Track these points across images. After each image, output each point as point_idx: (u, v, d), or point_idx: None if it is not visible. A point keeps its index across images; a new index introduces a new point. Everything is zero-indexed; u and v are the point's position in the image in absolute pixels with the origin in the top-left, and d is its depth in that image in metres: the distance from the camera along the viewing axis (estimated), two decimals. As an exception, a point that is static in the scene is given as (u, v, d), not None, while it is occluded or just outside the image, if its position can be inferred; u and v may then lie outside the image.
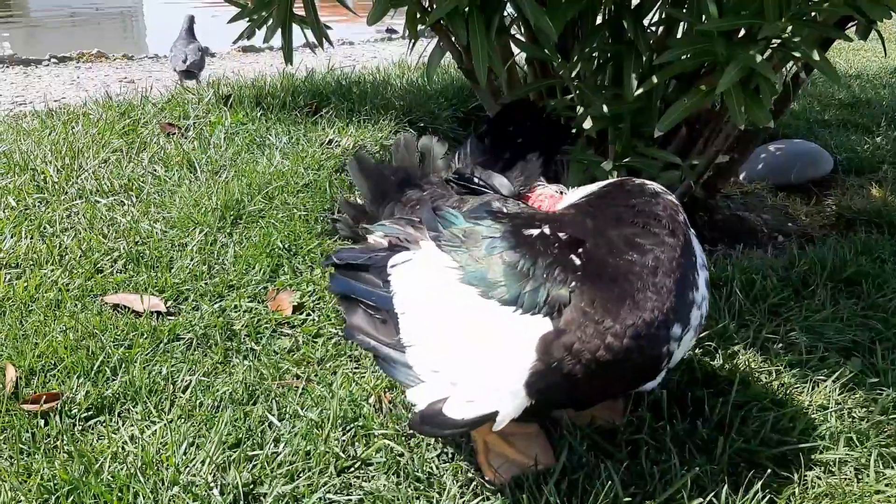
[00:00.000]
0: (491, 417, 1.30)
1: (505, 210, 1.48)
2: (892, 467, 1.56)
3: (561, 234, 1.37)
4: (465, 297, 1.35)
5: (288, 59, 2.85)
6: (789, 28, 1.84)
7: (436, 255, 1.42)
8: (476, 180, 1.61)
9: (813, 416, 1.68)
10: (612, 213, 1.41)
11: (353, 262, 1.56)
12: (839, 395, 1.75)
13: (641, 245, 1.35)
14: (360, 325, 1.50)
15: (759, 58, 1.84)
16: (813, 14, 1.91)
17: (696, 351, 1.87)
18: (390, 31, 7.53)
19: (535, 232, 1.38)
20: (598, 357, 1.27)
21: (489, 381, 1.30)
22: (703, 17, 1.91)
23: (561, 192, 1.59)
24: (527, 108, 1.93)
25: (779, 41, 1.90)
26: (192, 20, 4.98)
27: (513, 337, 1.30)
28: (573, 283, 1.30)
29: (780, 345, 1.91)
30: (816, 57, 1.86)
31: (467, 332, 1.34)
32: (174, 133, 3.31)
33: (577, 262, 1.33)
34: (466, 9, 1.99)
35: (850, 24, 2.25)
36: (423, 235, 1.48)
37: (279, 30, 2.75)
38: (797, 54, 1.90)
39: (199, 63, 4.82)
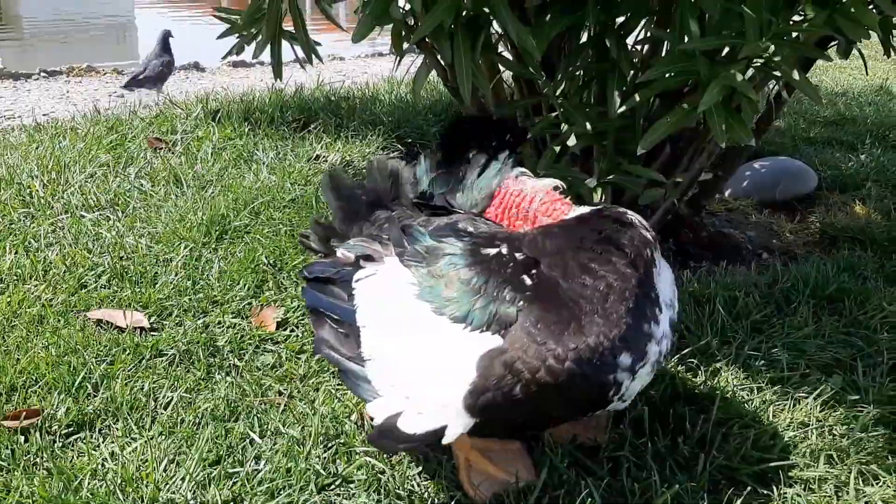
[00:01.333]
0: (441, 433, 1.32)
1: (469, 229, 1.49)
2: (872, 485, 1.57)
3: (517, 255, 1.39)
4: (419, 313, 1.37)
5: (277, 74, 2.86)
6: (770, 48, 1.86)
7: (397, 271, 1.44)
8: (438, 202, 1.64)
9: (794, 433, 1.68)
10: (575, 237, 1.41)
11: (320, 276, 1.58)
12: (820, 412, 1.76)
13: (595, 271, 1.34)
14: (327, 338, 1.53)
15: (740, 77, 1.86)
16: (794, 34, 1.94)
17: (679, 367, 1.87)
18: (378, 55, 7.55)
19: (493, 251, 1.40)
20: (538, 378, 1.28)
21: (438, 397, 1.32)
22: (686, 36, 1.93)
23: (556, 188, 1.56)
24: (476, 120, 1.94)
25: (760, 61, 1.92)
26: (166, 35, 4.96)
27: (459, 353, 1.32)
28: (521, 303, 1.32)
29: (762, 362, 1.92)
30: (797, 76, 1.88)
31: (420, 348, 1.36)
32: (161, 148, 3.32)
33: (528, 282, 1.34)
34: (451, 27, 2.00)
35: (831, 44, 2.28)
36: (389, 251, 1.49)
37: (269, 45, 2.76)
38: (778, 74, 1.92)
39: (151, 77, 4.78)
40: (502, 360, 1.29)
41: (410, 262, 1.43)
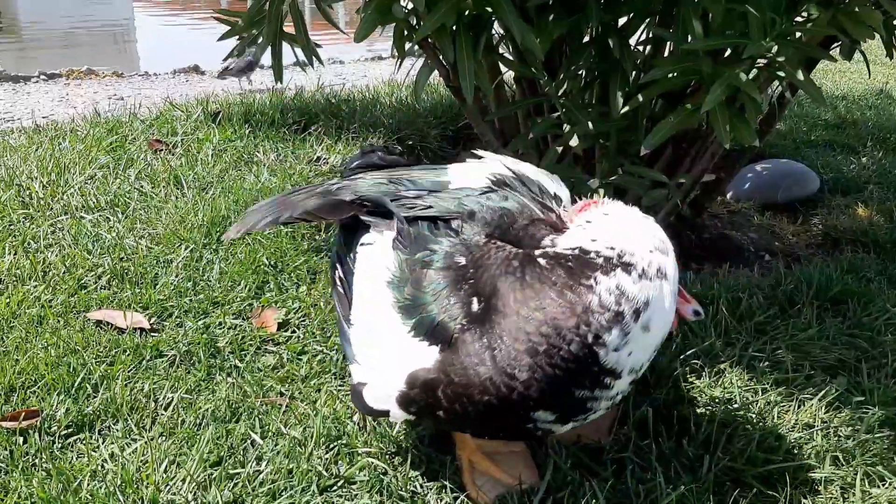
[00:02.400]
0: (387, 414, 1.41)
1: (470, 220, 1.45)
2: (878, 486, 1.55)
3: (478, 275, 1.34)
4: (384, 302, 1.41)
5: (278, 77, 2.86)
6: (774, 48, 1.85)
7: (385, 251, 1.46)
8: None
9: (799, 434, 1.67)
10: (533, 278, 1.30)
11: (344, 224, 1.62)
12: (825, 413, 1.74)
13: (533, 325, 1.25)
14: (338, 287, 1.61)
15: (744, 77, 1.85)
16: (797, 34, 1.93)
17: (683, 369, 1.86)
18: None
19: (463, 261, 1.38)
20: (454, 408, 1.31)
21: (382, 387, 1.40)
22: (689, 36, 1.93)
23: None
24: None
25: (764, 61, 1.91)
26: None
27: (398, 356, 1.37)
28: (460, 326, 1.31)
29: (767, 363, 1.91)
30: (801, 77, 1.87)
31: (378, 336, 1.42)
32: (162, 149, 3.31)
33: (475, 307, 1.32)
34: (454, 27, 2.00)
35: (834, 45, 2.27)
36: (390, 224, 1.49)
37: (269, 48, 2.75)
38: (782, 74, 1.91)
39: (242, 66, 5.06)
40: (425, 382, 1.32)
41: (398, 244, 1.44)
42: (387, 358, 1.40)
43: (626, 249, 1.27)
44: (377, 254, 1.47)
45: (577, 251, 1.29)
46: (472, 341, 1.29)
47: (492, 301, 1.30)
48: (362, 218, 1.54)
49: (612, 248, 1.27)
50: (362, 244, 1.53)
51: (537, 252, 1.35)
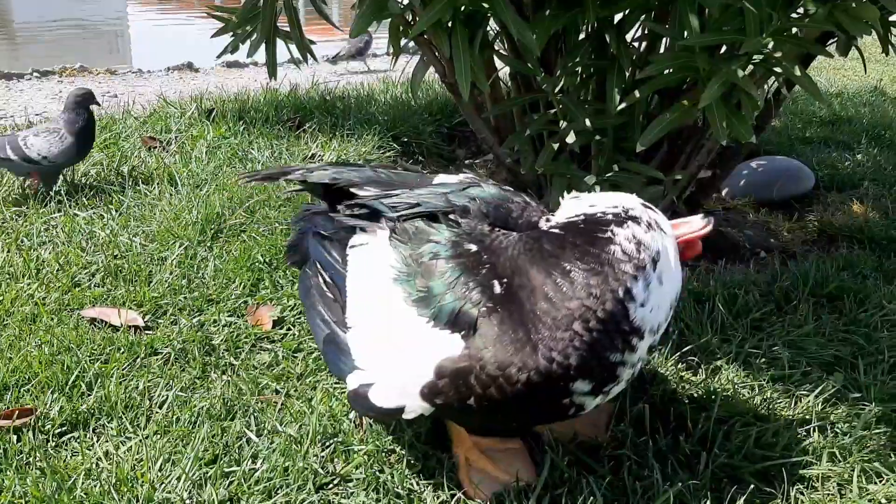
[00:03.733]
0: (402, 411, 1.37)
1: (466, 214, 1.45)
2: (875, 483, 1.55)
3: (494, 258, 1.35)
4: (393, 298, 1.39)
5: (272, 73, 2.85)
6: (770, 44, 1.85)
7: (383, 248, 1.45)
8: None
9: (796, 431, 1.67)
10: (555, 247, 1.33)
11: (322, 233, 1.62)
12: (822, 409, 1.74)
13: (562, 293, 1.28)
14: (317, 297, 1.58)
15: (740, 73, 1.85)
16: (794, 30, 1.93)
17: (679, 366, 1.86)
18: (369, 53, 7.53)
19: (473, 248, 1.37)
20: (488, 394, 1.29)
21: (401, 383, 1.36)
22: (686, 32, 1.92)
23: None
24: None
25: (760, 57, 1.91)
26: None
27: (420, 348, 1.34)
28: (484, 309, 1.30)
29: (763, 360, 1.91)
30: (797, 72, 1.87)
31: (391, 333, 1.39)
32: (156, 147, 3.29)
33: (497, 290, 1.32)
34: (450, 22, 1.99)
35: (830, 41, 2.27)
36: (382, 223, 1.48)
37: (263, 44, 2.75)
38: (778, 70, 1.91)
39: (353, 52, 6.01)
40: (456, 370, 1.30)
41: (396, 241, 1.43)
42: (405, 353, 1.37)
43: (626, 206, 1.34)
44: (374, 253, 1.46)
45: (582, 216, 1.34)
46: (501, 321, 1.29)
47: (515, 280, 1.31)
48: (349, 222, 1.54)
49: (614, 207, 1.34)
50: (353, 246, 1.51)
51: (544, 227, 1.38)
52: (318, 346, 1.58)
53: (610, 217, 1.32)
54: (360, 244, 1.50)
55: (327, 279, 1.57)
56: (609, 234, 1.29)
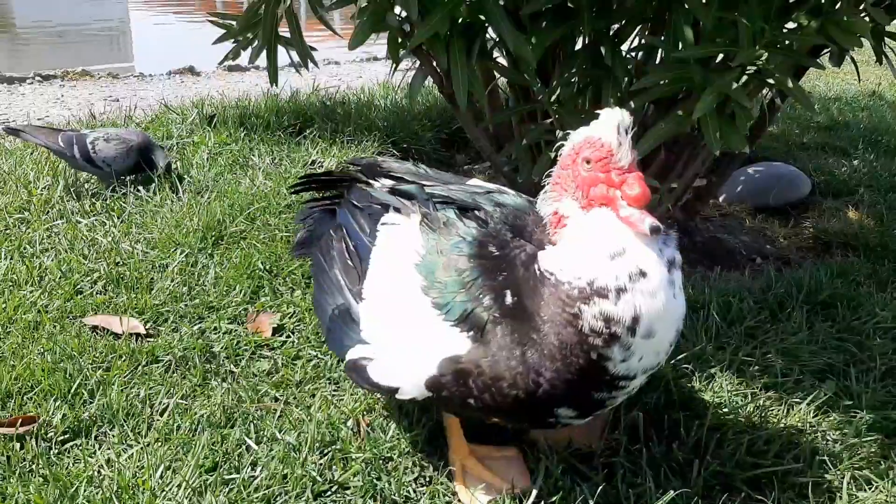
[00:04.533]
0: (396, 391, 1.43)
1: (491, 218, 1.48)
2: (865, 490, 1.58)
3: (513, 269, 1.36)
4: (411, 284, 1.43)
5: (273, 80, 2.87)
6: (764, 55, 1.87)
7: (412, 233, 1.48)
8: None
9: (788, 438, 1.69)
10: (542, 284, 1.32)
11: (355, 203, 1.68)
12: (814, 417, 1.77)
13: (555, 332, 1.28)
14: (336, 259, 1.64)
15: (734, 85, 1.87)
16: (787, 42, 1.95)
17: (673, 373, 1.88)
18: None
19: (496, 252, 1.40)
20: (483, 398, 1.35)
21: (404, 367, 1.42)
22: (680, 44, 1.95)
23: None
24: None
25: (754, 68, 1.93)
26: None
27: (427, 339, 1.38)
28: (494, 317, 1.33)
29: (756, 367, 1.93)
30: (790, 84, 1.90)
31: (401, 314, 1.44)
32: (157, 153, 3.31)
33: (508, 301, 1.34)
34: (447, 34, 2.01)
35: (823, 51, 2.30)
36: (416, 208, 1.53)
37: (264, 51, 2.77)
38: (771, 81, 1.93)
39: None
40: (457, 370, 1.35)
41: (427, 227, 1.47)
42: (412, 339, 1.41)
43: (593, 276, 1.25)
44: (403, 235, 1.50)
45: (554, 279, 1.29)
46: (503, 335, 1.32)
47: (524, 298, 1.33)
48: (386, 199, 1.59)
49: (579, 278, 1.25)
50: (385, 223, 1.56)
51: (539, 263, 1.35)
52: (320, 315, 1.63)
53: (576, 294, 1.25)
54: (392, 223, 1.55)
55: (351, 247, 1.62)
56: (577, 310, 1.25)
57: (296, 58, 2.88)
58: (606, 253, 1.25)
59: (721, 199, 3.18)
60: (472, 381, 1.34)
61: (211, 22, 3.00)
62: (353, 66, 6.94)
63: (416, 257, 1.44)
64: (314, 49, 2.93)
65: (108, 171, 2.88)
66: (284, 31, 2.84)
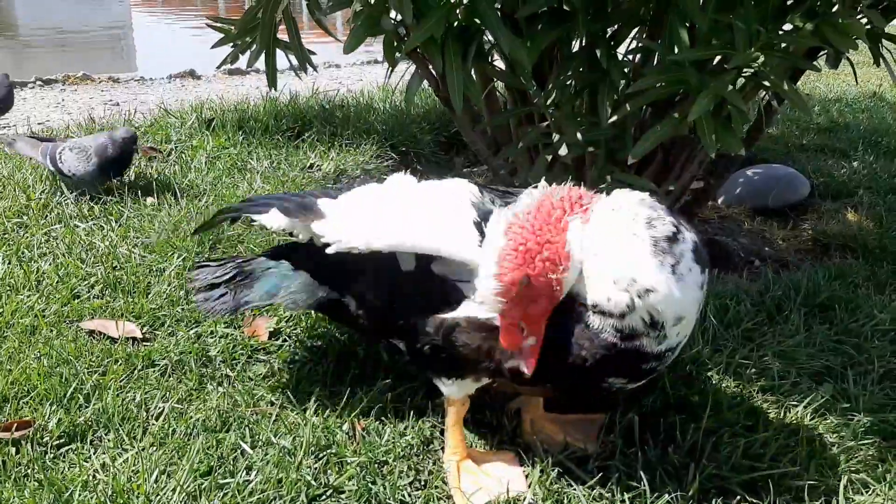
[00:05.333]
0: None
1: None
2: (863, 493, 1.57)
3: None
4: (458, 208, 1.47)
5: (272, 84, 2.87)
6: (760, 58, 1.87)
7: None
8: None
9: (784, 441, 1.69)
10: None
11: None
12: (811, 420, 1.76)
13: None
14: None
15: (730, 87, 1.87)
16: (783, 45, 1.95)
17: (669, 376, 1.88)
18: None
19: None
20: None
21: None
22: (676, 46, 1.94)
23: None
24: None
25: (750, 71, 1.93)
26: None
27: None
28: None
29: (753, 370, 1.93)
30: (786, 87, 1.89)
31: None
32: (156, 157, 3.32)
33: None
34: (442, 37, 2.01)
35: (820, 54, 2.29)
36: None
37: (263, 55, 2.77)
38: (767, 84, 1.93)
39: None
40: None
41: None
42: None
43: (602, 299, 1.33)
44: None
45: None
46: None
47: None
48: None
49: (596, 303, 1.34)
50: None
51: None
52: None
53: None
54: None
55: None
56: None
57: (294, 61, 2.88)
58: (620, 275, 1.31)
59: (719, 200, 3.18)
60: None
61: (209, 25, 3.01)
62: (354, 69, 6.94)
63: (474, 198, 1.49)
64: (313, 53, 2.93)
65: (76, 180, 2.83)
66: (283, 35, 2.84)
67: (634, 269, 1.30)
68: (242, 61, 2.91)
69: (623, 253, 1.31)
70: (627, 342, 1.33)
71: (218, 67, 3.07)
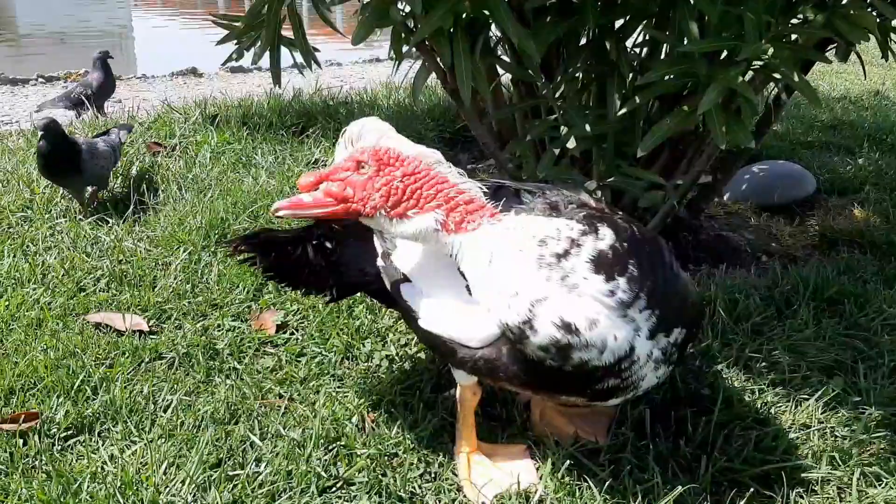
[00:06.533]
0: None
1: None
2: (875, 486, 1.56)
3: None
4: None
5: (276, 80, 2.86)
6: (770, 50, 1.86)
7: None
8: None
9: (796, 434, 1.68)
10: None
11: None
12: (822, 413, 1.75)
13: None
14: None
15: (739, 79, 1.86)
16: (793, 36, 1.94)
17: (680, 370, 1.87)
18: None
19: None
20: None
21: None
22: (685, 38, 1.93)
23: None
24: None
25: (760, 63, 1.92)
26: (104, 55, 4.48)
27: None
28: None
29: (763, 364, 1.92)
30: (796, 78, 1.88)
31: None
32: (160, 152, 3.31)
33: None
34: (451, 29, 2.01)
35: (829, 47, 2.28)
36: None
37: (267, 51, 2.76)
38: (777, 75, 1.92)
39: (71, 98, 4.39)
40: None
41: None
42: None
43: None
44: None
45: None
46: None
47: None
48: None
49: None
50: None
51: None
52: None
53: None
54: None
55: None
56: None
57: (299, 58, 2.87)
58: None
59: (725, 197, 3.17)
60: None
61: (214, 22, 2.99)
62: (356, 67, 6.94)
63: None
64: (317, 50, 2.92)
65: None
66: (287, 31, 2.83)
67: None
68: (245, 59, 2.90)
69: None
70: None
71: (223, 64, 3.06)
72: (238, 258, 1.69)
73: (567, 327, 1.26)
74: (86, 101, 4.23)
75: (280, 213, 1.37)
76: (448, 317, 1.42)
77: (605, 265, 1.27)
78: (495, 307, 1.31)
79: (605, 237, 1.31)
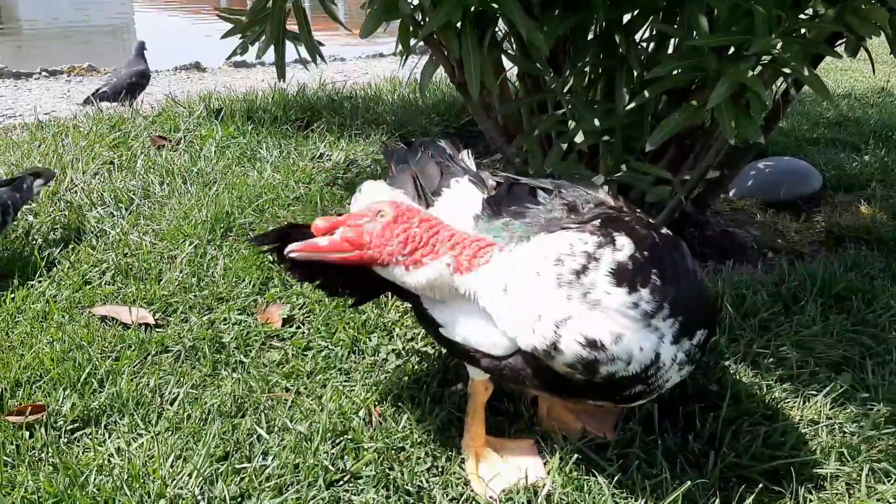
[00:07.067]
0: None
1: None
2: (884, 482, 1.55)
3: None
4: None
5: (281, 74, 2.86)
6: (779, 44, 1.85)
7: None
8: None
9: (804, 430, 1.67)
10: None
11: None
12: (830, 409, 1.74)
13: None
14: None
15: (749, 73, 1.85)
16: (803, 31, 1.93)
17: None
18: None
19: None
20: None
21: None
22: (694, 32, 1.92)
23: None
24: None
25: (769, 57, 1.91)
26: (141, 46, 4.79)
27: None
28: None
29: (771, 360, 1.91)
30: (806, 72, 1.87)
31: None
32: (164, 146, 3.31)
33: None
34: (459, 23, 2.00)
35: (839, 42, 2.27)
36: None
37: (272, 46, 2.75)
38: (787, 70, 1.91)
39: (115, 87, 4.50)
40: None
41: None
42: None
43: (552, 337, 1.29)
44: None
45: None
46: None
47: None
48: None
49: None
50: None
51: None
52: None
53: None
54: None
55: None
56: None
57: (303, 53, 2.86)
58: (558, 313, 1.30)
59: (732, 193, 3.16)
60: None
61: (219, 17, 2.99)
62: (360, 62, 6.94)
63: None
64: (322, 45, 2.91)
65: None
66: (291, 26, 2.83)
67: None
68: (249, 54, 2.90)
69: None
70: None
71: (228, 59, 3.07)
72: (264, 249, 1.66)
73: (592, 344, 1.25)
74: (126, 92, 4.26)
75: (294, 255, 1.39)
76: (472, 327, 1.41)
77: (626, 277, 1.26)
78: (520, 334, 1.31)
79: (624, 247, 1.29)
